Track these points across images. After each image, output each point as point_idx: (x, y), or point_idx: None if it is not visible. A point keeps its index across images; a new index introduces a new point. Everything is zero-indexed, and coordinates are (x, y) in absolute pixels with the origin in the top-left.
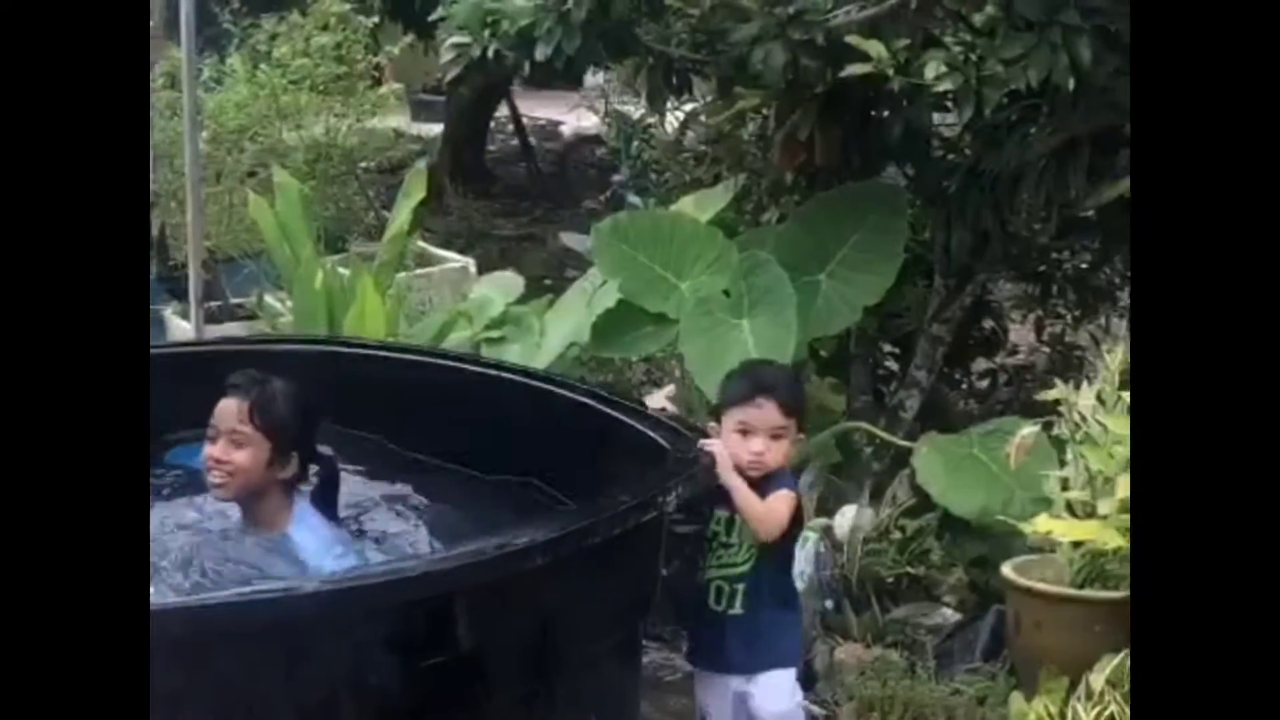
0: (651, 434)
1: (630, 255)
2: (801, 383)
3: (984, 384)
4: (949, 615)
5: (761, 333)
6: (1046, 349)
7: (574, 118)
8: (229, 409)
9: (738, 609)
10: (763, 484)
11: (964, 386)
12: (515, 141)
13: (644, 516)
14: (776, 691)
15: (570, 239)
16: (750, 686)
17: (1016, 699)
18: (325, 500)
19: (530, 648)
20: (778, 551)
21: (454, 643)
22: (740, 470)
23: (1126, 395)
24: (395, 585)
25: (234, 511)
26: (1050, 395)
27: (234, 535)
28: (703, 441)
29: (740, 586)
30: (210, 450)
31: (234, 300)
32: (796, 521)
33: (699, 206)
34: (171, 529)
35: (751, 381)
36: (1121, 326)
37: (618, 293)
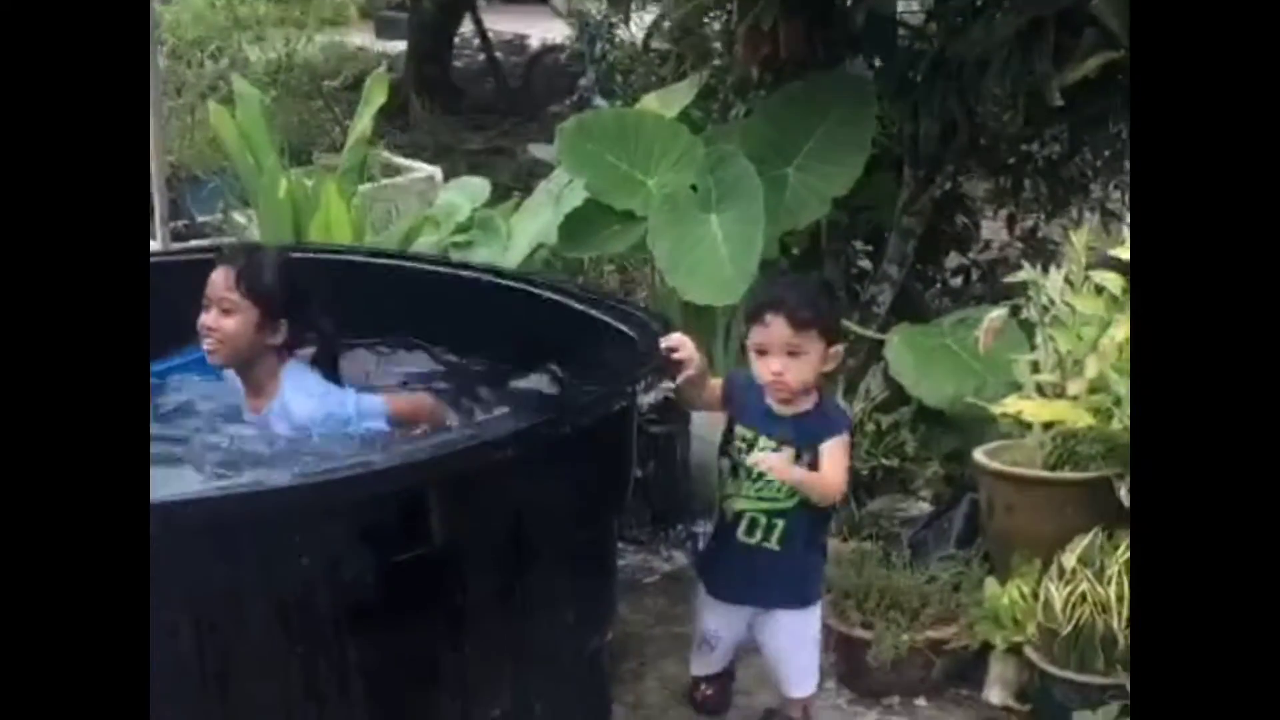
0: (620, 326)
1: (596, 153)
2: (824, 293)
3: (957, 280)
4: (925, 508)
5: (730, 227)
6: (1019, 244)
7: (540, 30)
8: (218, 278)
9: (773, 544)
10: (809, 419)
11: (938, 284)
12: (481, 57)
13: (613, 406)
14: (798, 631)
15: (539, 150)
16: (767, 619)
17: (990, 584)
18: (327, 373)
19: (504, 542)
20: None
21: (427, 537)
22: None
23: (1094, 275)
24: (366, 479)
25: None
26: (1019, 278)
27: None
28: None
29: (780, 522)
30: (203, 319)
31: (200, 219)
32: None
33: (664, 103)
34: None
35: (760, 299)
36: (1093, 220)
37: (584, 191)
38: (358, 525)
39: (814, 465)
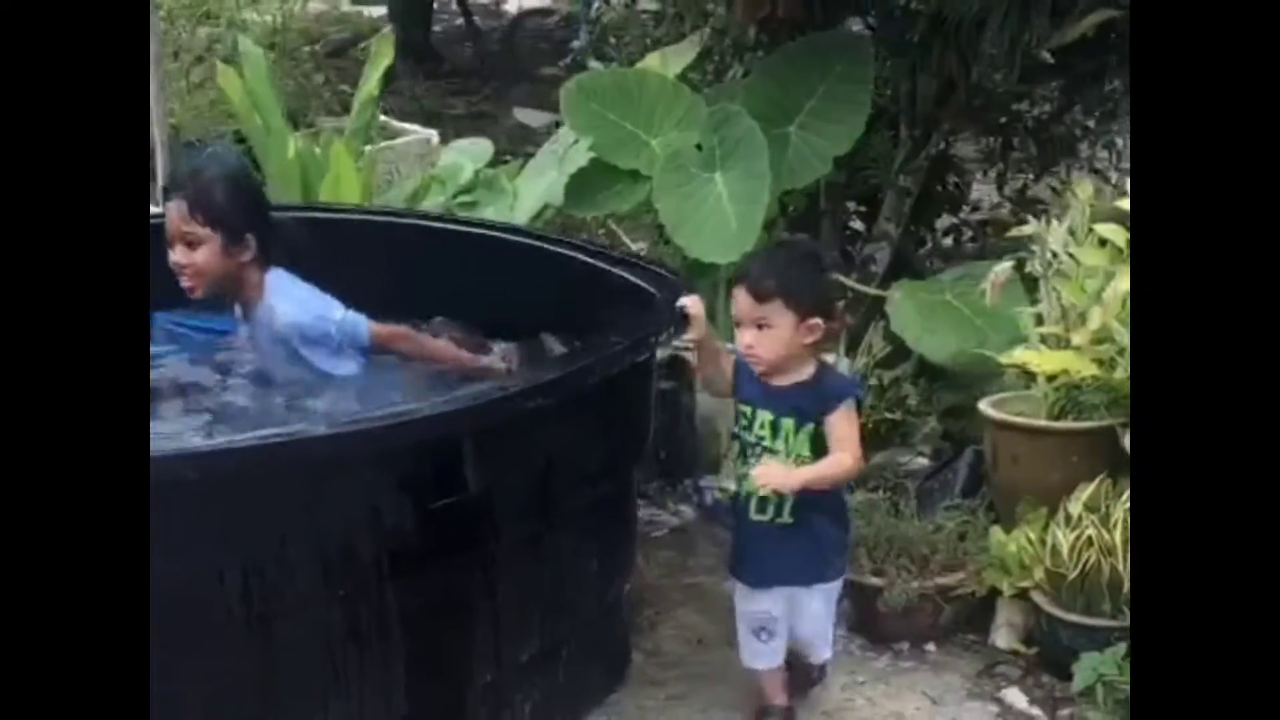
0: (638, 281)
1: (600, 114)
2: (798, 265)
3: (948, 241)
4: (922, 463)
5: (735, 185)
6: (1008, 203)
7: None
8: (172, 212)
9: (786, 518)
10: (805, 391)
11: (929, 244)
12: (459, 22)
13: (637, 357)
14: (828, 604)
15: (524, 115)
16: (800, 596)
17: (996, 532)
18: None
19: (535, 490)
20: None
21: (462, 484)
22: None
23: (1098, 228)
24: (403, 428)
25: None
26: (1023, 231)
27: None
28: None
29: (787, 497)
30: (171, 256)
31: None
32: None
33: (665, 63)
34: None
35: (735, 270)
36: (1082, 178)
37: (589, 151)
38: (397, 473)
39: (822, 439)
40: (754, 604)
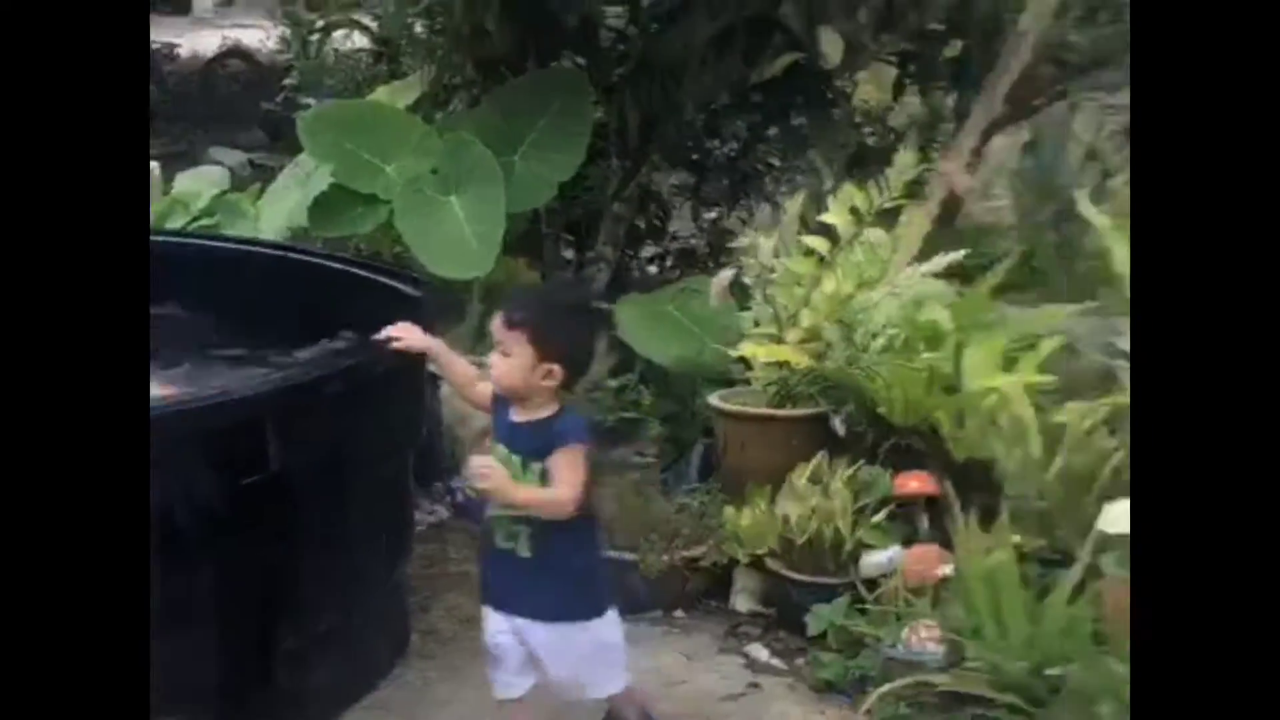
0: (399, 285)
1: (336, 142)
2: (552, 307)
3: (653, 268)
4: (653, 460)
5: (470, 207)
6: (701, 235)
7: (187, 40)
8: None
9: (524, 551)
10: (539, 428)
11: (635, 272)
12: None
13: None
14: (576, 646)
15: (220, 154)
16: (536, 632)
17: (728, 510)
18: None
19: (329, 468)
20: None
21: (266, 463)
22: None
23: (805, 239)
24: (217, 409)
25: None
26: (741, 243)
27: None
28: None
29: (522, 528)
30: None
31: None
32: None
33: (393, 97)
34: None
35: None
36: (765, 210)
37: (330, 177)
38: (209, 450)
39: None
40: (491, 624)
